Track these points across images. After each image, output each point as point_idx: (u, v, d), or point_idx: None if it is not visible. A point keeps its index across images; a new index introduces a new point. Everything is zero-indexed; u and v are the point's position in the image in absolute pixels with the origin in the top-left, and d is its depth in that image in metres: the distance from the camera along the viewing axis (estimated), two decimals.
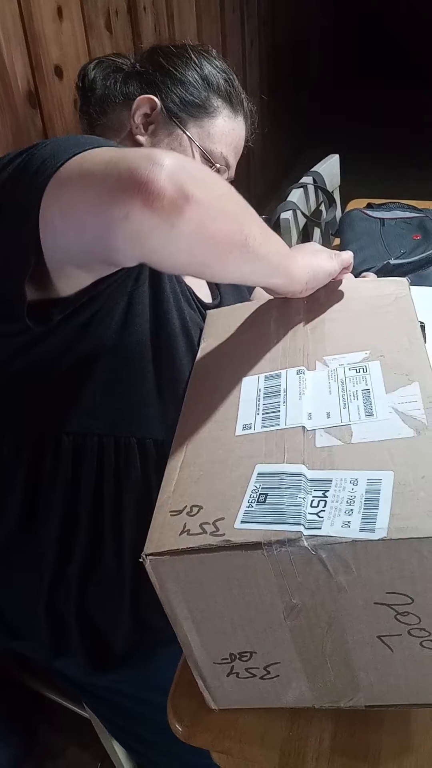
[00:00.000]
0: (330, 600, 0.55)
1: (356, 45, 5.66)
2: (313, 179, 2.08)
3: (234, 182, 1.13)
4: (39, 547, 0.90)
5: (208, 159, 0.99)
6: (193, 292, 0.97)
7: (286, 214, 1.86)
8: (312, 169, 2.12)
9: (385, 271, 1.54)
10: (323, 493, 0.55)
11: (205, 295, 1.03)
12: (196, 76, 0.99)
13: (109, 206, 0.58)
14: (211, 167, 0.98)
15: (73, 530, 0.88)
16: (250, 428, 0.66)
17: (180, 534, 0.55)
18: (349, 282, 0.91)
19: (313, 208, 2.07)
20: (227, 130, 1.01)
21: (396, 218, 1.78)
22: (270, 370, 0.75)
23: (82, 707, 1.01)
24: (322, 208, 2.11)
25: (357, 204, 1.93)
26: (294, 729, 0.68)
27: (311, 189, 2.07)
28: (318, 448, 0.60)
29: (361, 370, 0.70)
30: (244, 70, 3.17)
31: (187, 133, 0.97)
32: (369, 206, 1.88)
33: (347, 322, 0.81)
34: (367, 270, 1.58)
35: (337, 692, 0.64)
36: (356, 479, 0.55)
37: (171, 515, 0.58)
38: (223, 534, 0.53)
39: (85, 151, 0.65)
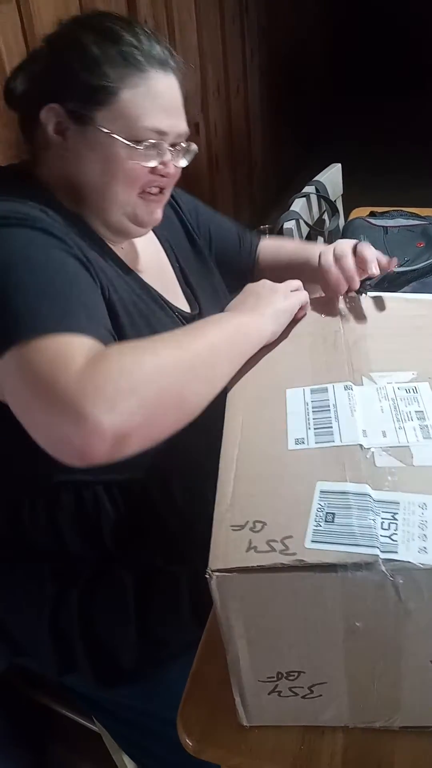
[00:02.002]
0: (392, 624, 0.55)
1: (356, 52, 5.68)
2: (316, 189, 2.09)
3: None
4: (40, 569, 0.90)
5: (134, 145, 0.85)
6: (169, 302, 0.96)
7: (289, 224, 1.86)
8: (314, 179, 2.13)
9: (388, 279, 1.55)
10: (392, 516, 0.54)
11: (182, 304, 1.00)
12: (81, 58, 0.85)
13: (53, 446, 0.66)
14: (138, 147, 0.85)
15: (74, 556, 0.88)
16: (303, 443, 0.65)
17: (246, 550, 0.54)
18: (387, 301, 0.91)
19: (316, 218, 2.08)
20: (140, 97, 0.85)
21: (399, 226, 1.79)
22: (314, 383, 0.74)
23: (92, 721, 0.99)
24: (325, 217, 2.12)
25: (360, 212, 1.94)
26: (305, 743, 0.67)
27: (314, 198, 2.07)
28: (379, 467, 0.60)
29: (411, 390, 0.70)
30: (245, 81, 3.17)
31: (101, 127, 0.85)
32: (372, 215, 1.89)
33: (389, 339, 0.81)
34: (369, 279, 1.59)
35: (376, 713, 0.64)
36: (425, 503, 0.55)
37: (233, 530, 0.56)
38: (295, 553, 0.52)
39: (28, 340, 0.68)
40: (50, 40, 0.89)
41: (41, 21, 1.42)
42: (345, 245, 1.00)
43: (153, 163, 0.87)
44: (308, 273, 1.09)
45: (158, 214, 0.92)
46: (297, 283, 0.95)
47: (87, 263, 0.81)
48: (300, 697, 0.63)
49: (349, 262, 0.96)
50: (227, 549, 0.55)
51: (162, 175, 0.89)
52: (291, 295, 0.91)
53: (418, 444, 0.62)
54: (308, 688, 0.62)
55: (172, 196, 1.02)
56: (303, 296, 0.93)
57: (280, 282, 1.09)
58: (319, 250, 1.03)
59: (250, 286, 0.93)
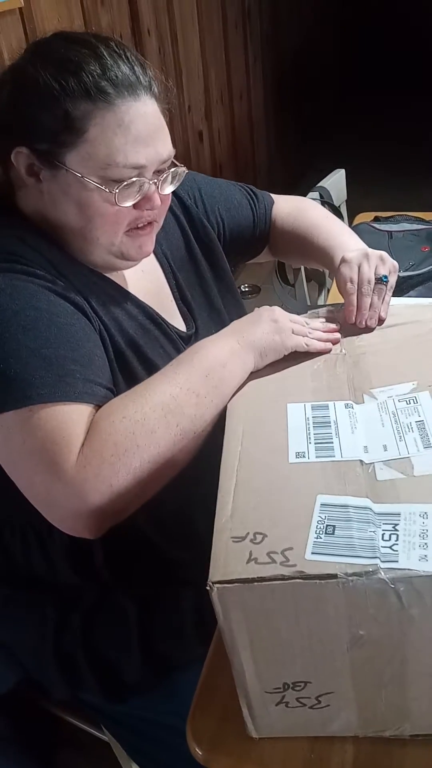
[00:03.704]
0: (397, 632, 0.55)
1: (360, 57, 5.68)
2: (320, 194, 2.08)
3: None
4: (41, 595, 0.91)
5: (108, 188, 0.78)
6: (165, 320, 0.92)
7: None
8: (318, 185, 2.13)
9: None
10: (393, 527, 0.55)
11: (178, 323, 0.96)
12: (40, 97, 0.77)
13: (52, 517, 0.72)
14: (114, 189, 0.79)
15: (71, 586, 0.90)
16: (303, 456, 0.66)
17: (247, 562, 0.54)
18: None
19: None
20: (110, 133, 0.77)
21: (404, 231, 1.79)
22: (314, 399, 0.75)
23: (101, 730, 0.99)
24: None
25: (364, 218, 1.94)
26: (315, 751, 0.67)
27: None
28: (380, 481, 0.61)
29: (412, 401, 0.71)
30: (248, 88, 3.18)
31: (72, 170, 0.78)
32: (376, 219, 1.89)
33: (389, 352, 0.82)
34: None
35: (384, 722, 0.64)
36: (425, 513, 0.56)
37: (233, 541, 0.57)
38: (295, 564, 0.53)
39: (25, 409, 0.70)
40: (12, 72, 0.81)
41: (45, 31, 1.42)
42: (370, 272, 0.93)
43: (133, 202, 0.81)
44: (317, 259, 1.07)
45: (149, 246, 0.87)
46: (319, 324, 0.89)
47: (76, 298, 0.79)
48: (308, 707, 0.63)
49: (367, 302, 0.90)
50: (228, 560, 0.55)
51: (149, 208, 0.83)
52: (293, 337, 0.84)
53: (419, 454, 0.63)
54: (315, 699, 0.62)
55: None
56: (311, 345, 0.85)
57: (289, 250, 1.13)
58: (342, 254, 0.97)
59: (261, 310, 0.87)
